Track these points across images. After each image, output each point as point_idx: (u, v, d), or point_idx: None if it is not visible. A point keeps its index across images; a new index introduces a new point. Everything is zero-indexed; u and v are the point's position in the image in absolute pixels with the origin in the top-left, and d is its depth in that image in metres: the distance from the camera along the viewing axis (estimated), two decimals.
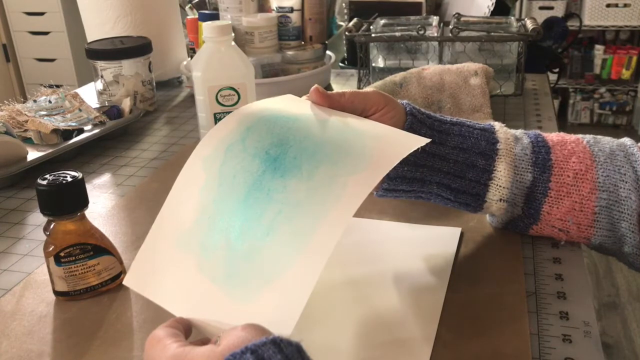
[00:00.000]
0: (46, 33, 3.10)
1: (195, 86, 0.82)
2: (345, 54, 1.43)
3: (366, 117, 0.55)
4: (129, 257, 0.59)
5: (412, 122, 0.56)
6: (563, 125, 3.61)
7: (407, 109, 0.57)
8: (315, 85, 0.54)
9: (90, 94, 1.16)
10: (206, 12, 1.25)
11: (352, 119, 0.53)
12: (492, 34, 1.06)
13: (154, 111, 1.13)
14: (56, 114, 0.93)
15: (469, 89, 0.93)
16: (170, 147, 0.95)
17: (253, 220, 0.45)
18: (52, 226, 0.54)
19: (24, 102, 0.96)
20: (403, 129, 0.55)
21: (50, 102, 0.95)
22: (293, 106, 0.54)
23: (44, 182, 0.52)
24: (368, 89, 0.74)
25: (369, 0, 1.45)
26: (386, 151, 0.47)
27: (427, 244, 0.62)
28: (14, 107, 0.92)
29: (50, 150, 0.86)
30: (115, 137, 0.98)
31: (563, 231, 0.59)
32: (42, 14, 3.06)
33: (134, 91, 1.07)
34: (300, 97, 0.56)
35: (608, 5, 3.34)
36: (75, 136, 0.91)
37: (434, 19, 1.18)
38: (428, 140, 0.50)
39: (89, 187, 0.76)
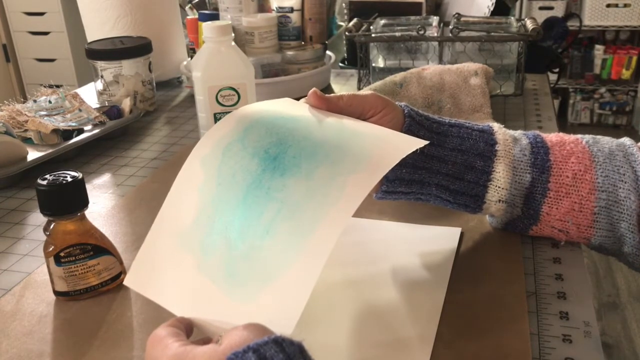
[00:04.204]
0: (46, 33, 3.10)
1: (195, 86, 0.82)
2: (345, 54, 1.43)
3: (364, 119, 0.55)
4: (129, 257, 0.59)
5: (411, 124, 0.56)
6: (563, 125, 3.61)
7: (405, 111, 0.57)
8: (314, 89, 0.54)
9: (90, 94, 1.16)
10: (206, 12, 1.25)
11: (351, 121, 0.53)
12: (492, 34, 1.06)
13: (154, 111, 1.13)
14: (56, 114, 0.93)
15: (469, 89, 0.93)
16: (170, 147, 0.95)
17: (252, 220, 0.45)
18: (52, 226, 0.54)
19: (24, 102, 0.96)
20: (401, 131, 0.55)
21: (50, 102, 0.95)
22: (291, 108, 0.54)
23: (44, 182, 0.52)
24: (366, 91, 0.74)
25: (369, 0, 1.45)
26: (385, 152, 0.47)
27: (427, 244, 0.62)
28: (14, 107, 0.92)
29: (50, 150, 0.86)
30: (115, 137, 0.98)
31: (563, 232, 0.59)
32: (42, 14, 3.06)
33: (134, 91, 1.07)
34: (299, 98, 0.56)
35: (608, 5, 3.34)
36: (75, 136, 0.91)
37: (434, 19, 1.18)
38: (426, 142, 0.50)
39: (89, 187, 0.76)
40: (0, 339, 0.51)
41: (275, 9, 1.19)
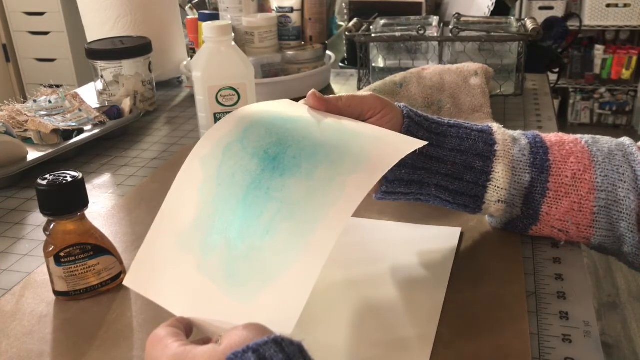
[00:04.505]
0: (46, 33, 3.10)
1: (195, 86, 0.82)
2: (345, 54, 1.43)
3: (363, 120, 0.55)
4: (129, 257, 0.59)
5: (410, 125, 0.56)
6: (563, 125, 3.61)
7: (405, 112, 0.57)
8: (313, 90, 0.54)
9: (90, 94, 1.16)
10: (206, 12, 1.25)
11: (350, 122, 0.53)
12: (492, 34, 1.06)
13: (154, 111, 1.13)
14: (56, 114, 0.93)
15: (469, 89, 0.93)
16: (170, 147, 0.95)
17: (252, 220, 0.45)
18: (52, 226, 0.54)
19: (24, 102, 0.96)
20: (400, 132, 0.55)
21: (50, 102, 0.95)
22: (291, 110, 0.54)
23: (44, 182, 0.52)
24: (366, 91, 0.74)
25: (369, 0, 1.45)
26: (384, 153, 0.47)
27: (427, 244, 0.62)
28: (14, 107, 0.92)
29: (50, 150, 0.86)
30: (115, 137, 0.98)
31: (562, 231, 0.59)
32: (42, 14, 3.06)
33: (134, 91, 1.07)
34: (299, 99, 0.56)
35: (608, 5, 3.34)
36: (75, 136, 0.91)
37: (434, 19, 1.18)
38: (425, 142, 0.50)
39: (89, 187, 0.76)
40: (0, 339, 0.51)
41: (275, 9, 1.19)
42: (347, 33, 1.13)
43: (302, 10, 1.20)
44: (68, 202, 0.53)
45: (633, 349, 1.87)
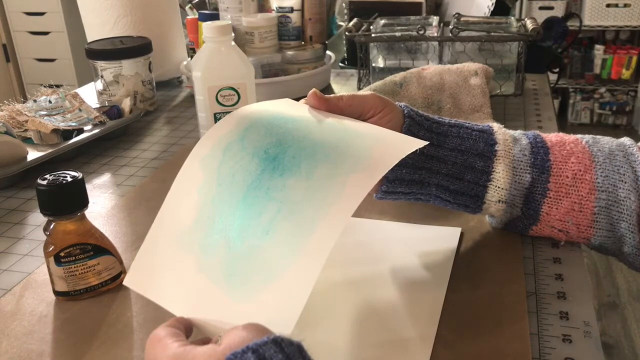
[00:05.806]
0: (46, 33, 3.11)
1: (195, 86, 0.82)
2: (345, 54, 1.43)
3: (364, 120, 0.55)
4: (129, 257, 0.59)
5: (410, 124, 0.56)
6: (563, 125, 3.61)
7: (405, 111, 0.57)
8: (313, 89, 0.54)
9: (90, 94, 1.16)
10: (206, 12, 1.25)
11: (350, 121, 0.53)
12: (492, 34, 1.06)
13: (154, 111, 1.13)
14: (56, 114, 0.93)
15: (469, 89, 0.93)
16: (170, 147, 0.95)
17: (252, 219, 0.45)
18: (52, 226, 0.54)
19: (24, 102, 0.96)
20: (401, 131, 0.55)
21: (50, 102, 0.95)
22: (291, 109, 0.54)
23: (44, 182, 0.52)
24: (366, 91, 0.74)
25: (369, 0, 1.45)
26: (385, 153, 0.47)
27: (427, 244, 0.62)
28: (14, 107, 0.92)
29: (50, 150, 0.86)
30: (115, 137, 0.98)
31: (563, 232, 0.59)
32: (42, 14, 3.07)
33: (134, 91, 1.07)
34: (299, 99, 0.56)
35: (608, 5, 3.34)
36: (75, 136, 0.91)
37: (434, 19, 1.18)
38: (426, 142, 0.50)
39: (89, 187, 0.76)
40: (0, 339, 0.51)
41: (275, 9, 1.19)
42: (347, 33, 1.13)
43: (302, 10, 1.19)
44: (68, 202, 0.53)
45: (633, 349, 1.87)
